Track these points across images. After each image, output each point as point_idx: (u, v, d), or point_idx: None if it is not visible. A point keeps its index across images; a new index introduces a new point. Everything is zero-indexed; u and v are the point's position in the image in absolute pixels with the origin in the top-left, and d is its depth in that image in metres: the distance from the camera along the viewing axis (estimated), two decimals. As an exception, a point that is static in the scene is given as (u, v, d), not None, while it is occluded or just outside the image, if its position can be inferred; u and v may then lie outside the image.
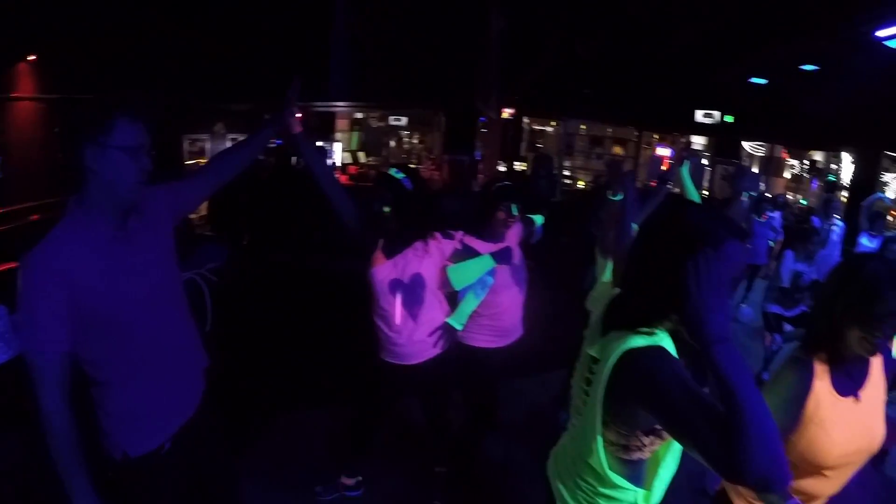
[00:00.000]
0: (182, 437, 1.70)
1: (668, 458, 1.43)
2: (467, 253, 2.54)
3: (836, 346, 1.67)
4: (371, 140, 14.82)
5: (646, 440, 1.35)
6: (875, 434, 1.77)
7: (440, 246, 2.50)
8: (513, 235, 2.84)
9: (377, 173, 3.47)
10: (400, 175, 2.39)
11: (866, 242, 6.12)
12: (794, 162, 15.40)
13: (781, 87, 11.77)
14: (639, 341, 1.26)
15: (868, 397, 1.75)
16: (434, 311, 2.53)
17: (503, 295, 2.75)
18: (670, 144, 15.81)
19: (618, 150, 17.08)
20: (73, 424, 1.46)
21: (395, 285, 2.42)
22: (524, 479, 2.97)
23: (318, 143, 11.32)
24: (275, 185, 6.08)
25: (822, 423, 1.67)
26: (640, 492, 1.43)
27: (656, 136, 15.74)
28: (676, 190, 3.65)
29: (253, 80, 9.51)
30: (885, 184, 12.16)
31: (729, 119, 13.55)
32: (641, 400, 1.25)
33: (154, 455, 1.63)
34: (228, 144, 10.52)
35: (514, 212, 2.68)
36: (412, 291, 2.44)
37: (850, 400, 1.71)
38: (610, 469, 1.39)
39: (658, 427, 1.32)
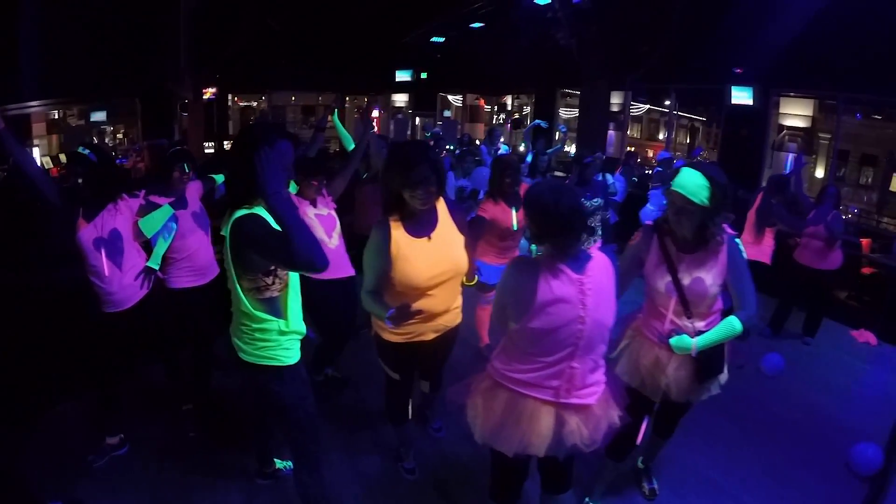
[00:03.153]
0: None
1: (292, 293, 2.16)
2: (151, 207, 3.11)
3: (400, 206, 2.47)
4: (73, 141, 13.46)
5: (268, 280, 2.05)
6: (454, 259, 2.52)
7: (128, 203, 3.04)
8: (192, 190, 3.38)
9: (67, 153, 3.76)
10: (86, 151, 2.88)
11: (529, 158, 7.67)
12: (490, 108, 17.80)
13: (459, 44, 13.61)
14: (242, 212, 1.98)
15: (439, 236, 2.49)
16: (134, 259, 3.06)
17: (190, 238, 3.30)
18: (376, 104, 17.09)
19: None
20: None
21: (99, 242, 2.90)
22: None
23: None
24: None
25: (406, 258, 2.45)
26: (281, 321, 2.12)
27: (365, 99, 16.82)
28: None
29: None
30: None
31: (424, 75, 15.23)
32: (248, 245, 1.95)
33: None
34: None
35: (187, 170, 3.26)
36: (113, 245, 2.94)
37: (423, 240, 2.47)
38: (254, 309, 2.07)
39: (271, 269, 2.04)
